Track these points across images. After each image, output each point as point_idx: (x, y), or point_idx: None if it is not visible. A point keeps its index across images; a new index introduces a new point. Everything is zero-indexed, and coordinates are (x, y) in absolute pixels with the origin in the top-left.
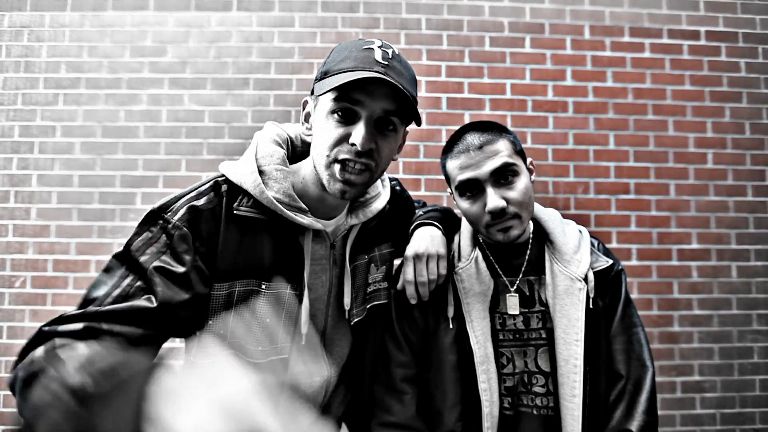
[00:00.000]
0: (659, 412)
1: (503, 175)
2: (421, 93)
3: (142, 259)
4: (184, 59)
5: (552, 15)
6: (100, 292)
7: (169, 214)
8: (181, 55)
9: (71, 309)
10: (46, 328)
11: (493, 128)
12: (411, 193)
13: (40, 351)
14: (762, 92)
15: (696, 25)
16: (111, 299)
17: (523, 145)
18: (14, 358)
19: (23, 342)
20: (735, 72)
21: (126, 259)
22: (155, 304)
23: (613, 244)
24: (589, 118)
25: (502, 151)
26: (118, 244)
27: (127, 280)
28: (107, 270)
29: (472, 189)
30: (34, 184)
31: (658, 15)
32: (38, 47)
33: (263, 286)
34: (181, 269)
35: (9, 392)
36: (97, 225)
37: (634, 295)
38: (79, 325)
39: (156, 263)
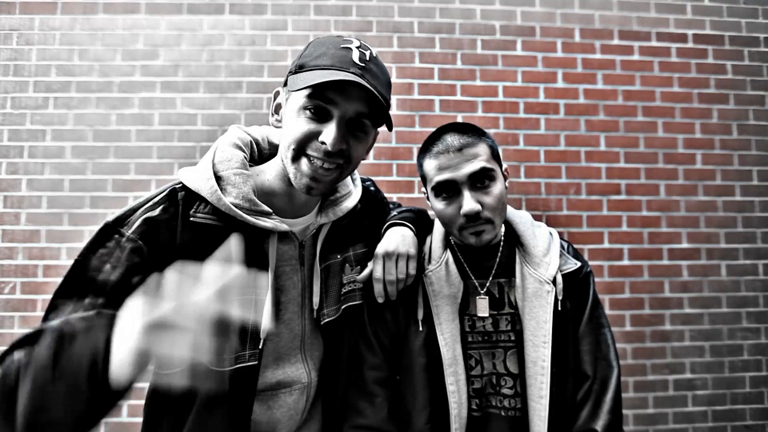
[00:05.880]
0: (652, 410)
1: (480, 179)
2: (414, 96)
3: (101, 277)
4: (176, 62)
5: (543, 18)
6: (58, 318)
7: (125, 227)
8: (173, 59)
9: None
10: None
11: (472, 131)
12: (404, 195)
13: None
14: (748, 94)
15: (683, 29)
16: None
17: (516, 147)
18: None
19: None
20: (722, 74)
21: (82, 279)
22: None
23: (605, 244)
24: (580, 120)
25: (481, 155)
26: None
27: (87, 301)
28: (63, 294)
29: (448, 190)
30: (24, 189)
31: (646, 18)
32: (28, 50)
33: None
34: (135, 282)
35: None
36: (89, 230)
37: (626, 295)
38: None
39: (114, 278)
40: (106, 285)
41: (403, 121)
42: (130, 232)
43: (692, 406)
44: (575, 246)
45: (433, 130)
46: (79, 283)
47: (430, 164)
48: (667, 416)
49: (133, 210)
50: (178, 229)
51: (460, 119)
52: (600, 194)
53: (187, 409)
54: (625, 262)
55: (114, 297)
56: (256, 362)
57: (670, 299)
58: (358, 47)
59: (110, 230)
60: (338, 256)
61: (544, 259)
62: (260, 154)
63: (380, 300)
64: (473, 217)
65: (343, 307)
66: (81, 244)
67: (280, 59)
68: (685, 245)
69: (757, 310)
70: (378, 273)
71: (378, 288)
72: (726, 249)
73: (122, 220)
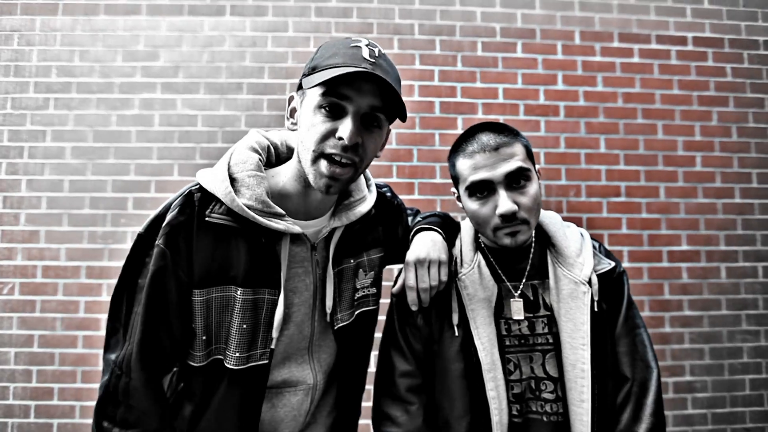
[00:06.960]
0: None
1: (516, 179)
2: (414, 97)
3: (138, 288)
4: (177, 64)
5: (543, 21)
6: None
7: (154, 235)
8: (174, 60)
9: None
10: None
11: (507, 130)
12: (404, 197)
13: None
14: (748, 96)
15: (683, 31)
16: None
17: None
18: (1, 367)
19: (11, 350)
20: (722, 76)
21: (130, 293)
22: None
23: (605, 246)
24: (580, 122)
25: (517, 155)
26: (108, 250)
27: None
28: (113, 316)
29: (483, 190)
30: (24, 189)
31: (646, 21)
32: (28, 51)
33: (239, 292)
34: (172, 289)
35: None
36: (88, 230)
37: None
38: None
39: (152, 290)
40: (142, 295)
41: (403, 123)
42: (158, 240)
43: (692, 408)
44: None
45: (432, 131)
46: (122, 300)
47: (464, 164)
48: (667, 419)
49: (158, 217)
50: (194, 229)
51: (460, 121)
52: (600, 196)
53: (206, 403)
54: (625, 264)
55: (154, 307)
56: (266, 361)
57: (670, 301)
58: (367, 45)
59: (142, 241)
60: (351, 261)
61: (578, 259)
62: (278, 157)
63: (414, 308)
64: (509, 218)
65: (356, 312)
66: (80, 245)
67: (281, 61)
68: (684, 247)
69: (756, 312)
70: (411, 281)
71: (412, 296)
72: (726, 251)
73: (150, 229)
